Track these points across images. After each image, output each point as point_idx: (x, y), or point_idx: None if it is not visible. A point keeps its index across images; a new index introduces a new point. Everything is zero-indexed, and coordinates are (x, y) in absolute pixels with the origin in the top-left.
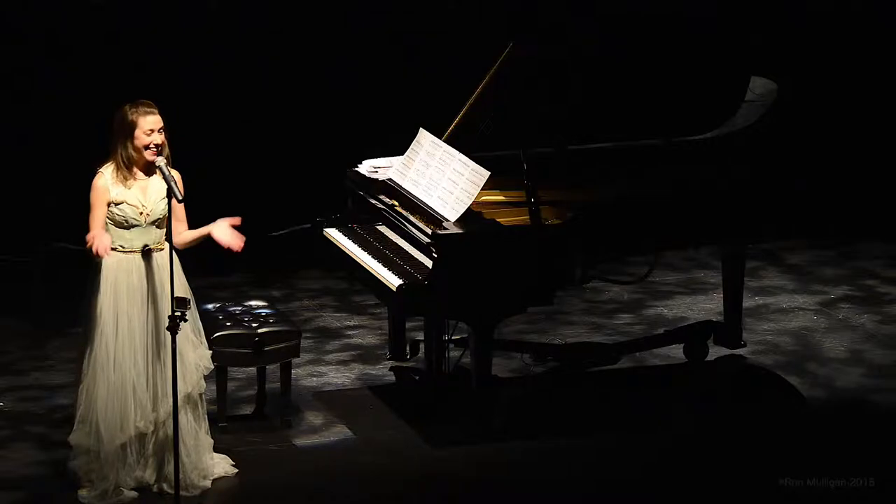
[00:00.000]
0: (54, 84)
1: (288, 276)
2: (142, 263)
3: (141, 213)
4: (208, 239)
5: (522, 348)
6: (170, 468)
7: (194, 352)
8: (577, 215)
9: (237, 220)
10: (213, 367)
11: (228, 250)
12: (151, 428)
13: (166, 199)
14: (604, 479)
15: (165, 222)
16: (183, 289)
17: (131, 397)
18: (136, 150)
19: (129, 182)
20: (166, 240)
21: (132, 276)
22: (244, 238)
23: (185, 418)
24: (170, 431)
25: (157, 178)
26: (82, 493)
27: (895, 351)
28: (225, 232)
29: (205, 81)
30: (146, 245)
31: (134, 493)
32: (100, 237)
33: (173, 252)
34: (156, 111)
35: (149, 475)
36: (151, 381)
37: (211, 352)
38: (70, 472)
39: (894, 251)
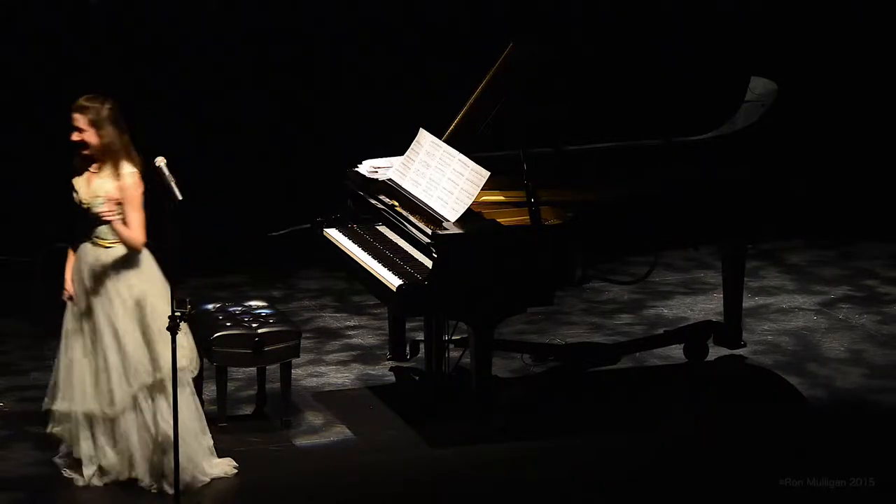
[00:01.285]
0: (54, 84)
1: (288, 276)
2: (87, 254)
3: (80, 203)
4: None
5: (522, 348)
6: (164, 469)
7: (136, 351)
8: (577, 215)
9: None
10: (158, 376)
11: (228, 251)
12: (97, 413)
13: (102, 200)
14: (603, 479)
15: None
16: (130, 292)
17: (75, 377)
18: None
19: (89, 170)
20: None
21: (78, 262)
22: None
23: (138, 414)
24: (126, 426)
25: (107, 176)
26: (77, 478)
27: (895, 351)
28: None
29: (205, 81)
30: (86, 236)
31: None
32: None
33: (138, 255)
34: (80, 108)
35: (120, 466)
36: (91, 371)
37: (162, 362)
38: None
39: (894, 251)
